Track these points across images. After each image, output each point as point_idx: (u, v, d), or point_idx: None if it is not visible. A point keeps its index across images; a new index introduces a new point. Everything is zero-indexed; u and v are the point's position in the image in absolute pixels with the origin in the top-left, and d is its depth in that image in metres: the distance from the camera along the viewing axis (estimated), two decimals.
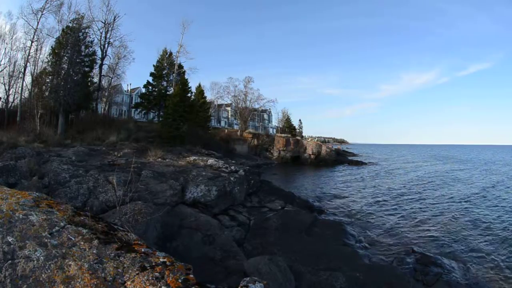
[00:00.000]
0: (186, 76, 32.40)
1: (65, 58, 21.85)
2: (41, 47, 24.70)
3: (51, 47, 22.98)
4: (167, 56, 32.71)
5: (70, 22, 23.81)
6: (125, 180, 7.89)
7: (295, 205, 12.24)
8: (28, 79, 24.15)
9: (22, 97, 23.33)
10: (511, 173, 32.84)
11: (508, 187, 22.17)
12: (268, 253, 6.75)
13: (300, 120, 69.78)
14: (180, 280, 2.27)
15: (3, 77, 23.47)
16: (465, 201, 16.59)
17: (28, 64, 23.55)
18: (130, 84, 44.76)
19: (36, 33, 23.16)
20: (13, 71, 23.57)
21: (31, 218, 2.78)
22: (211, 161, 14.22)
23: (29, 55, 23.32)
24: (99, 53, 27.51)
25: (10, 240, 2.47)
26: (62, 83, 21.02)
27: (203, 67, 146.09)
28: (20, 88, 23.46)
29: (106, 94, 30.94)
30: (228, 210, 10.11)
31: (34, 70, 24.40)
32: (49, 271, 2.26)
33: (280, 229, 8.91)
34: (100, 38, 27.86)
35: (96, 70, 27.80)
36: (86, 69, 25.17)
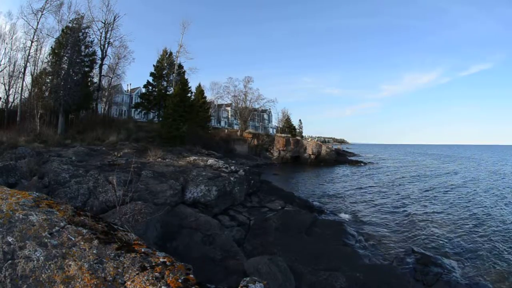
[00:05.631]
0: (186, 76, 32.49)
1: (65, 58, 21.87)
2: (41, 47, 24.78)
3: (51, 47, 23.02)
4: (167, 56, 32.73)
5: (70, 22, 23.85)
6: (125, 180, 7.89)
7: (295, 205, 12.23)
8: (28, 79, 24.22)
9: (22, 97, 23.36)
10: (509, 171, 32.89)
11: (508, 186, 22.17)
12: (268, 253, 6.75)
13: (300, 120, 69.86)
14: (180, 280, 2.27)
15: (3, 77, 23.52)
16: (465, 201, 16.59)
17: (28, 64, 23.61)
18: (130, 84, 44.82)
19: (36, 33, 23.21)
20: (13, 71, 23.60)
21: (31, 218, 2.78)
22: (211, 161, 14.21)
23: (29, 55, 23.35)
24: (99, 53, 27.57)
25: (10, 240, 2.47)
26: (62, 83, 21.04)
27: (203, 67, 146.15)
28: (20, 88, 23.50)
29: (106, 94, 30.96)
30: (228, 210, 10.10)
31: (34, 70, 24.45)
32: (49, 271, 2.26)
33: (280, 229, 8.90)
34: (100, 38, 27.92)
35: (96, 70, 27.87)
36: (86, 69, 25.18)
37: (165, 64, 32.34)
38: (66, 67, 21.73)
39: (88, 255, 2.46)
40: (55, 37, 23.61)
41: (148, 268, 2.39)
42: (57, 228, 2.75)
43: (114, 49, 29.43)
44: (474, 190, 20.62)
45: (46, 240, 2.55)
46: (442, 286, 6.76)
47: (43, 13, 23.08)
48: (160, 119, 29.55)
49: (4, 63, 23.53)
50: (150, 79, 31.98)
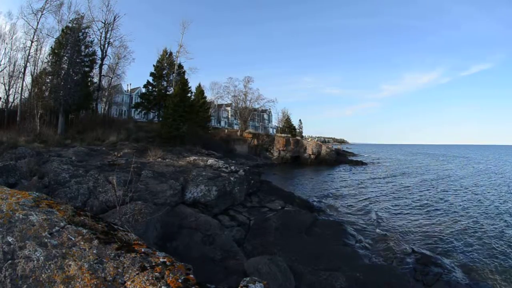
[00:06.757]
0: (186, 76, 32.45)
1: (65, 58, 21.86)
2: (41, 47, 24.76)
3: (51, 47, 23.02)
4: (167, 56, 32.72)
5: (70, 22, 23.86)
6: (125, 180, 7.89)
7: (295, 205, 12.22)
8: (28, 79, 24.21)
9: (22, 97, 23.34)
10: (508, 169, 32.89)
11: (507, 185, 22.17)
12: (268, 253, 6.75)
13: (300, 120, 69.83)
14: (180, 280, 2.28)
15: (3, 77, 23.49)
16: (465, 201, 16.58)
17: (28, 64, 23.59)
18: (130, 84, 44.78)
19: (36, 33, 23.20)
20: (13, 71, 23.58)
21: (31, 218, 2.78)
22: (211, 161, 14.22)
23: (29, 55, 23.35)
24: (99, 53, 27.55)
25: (10, 240, 2.47)
26: (62, 83, 21.03)
27: (203, 67, 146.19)
28: (20, 88, 23.49)
29: (106, 94, 30.94)
30: (228, 210, 10.11)
31: (34, 70, 24.44)
32: (49, 271, 2.26)
33: (280, 229, 8.91)
34: (100, 38, 27.92)
35: (96, 70, 27.87)
36: (86, 69, 25.18)
37: (165, 64, 32.34)
38: (66, 67, 21.71)
39: (88, 255, 2.46)
40: (55, 37, 23.65)
41: (148, 268, 2.39)
42: (57, 228, 2.75)
43: (114, 49, 29.48)
44: (474, 189, 20.62)
45: (46, 240, 2.55)
46: (442, 286, 6.75)
47: (43, 13, 23.10)
48: (160, 119, 29.55)
49: (4, 63, 23.54)
50: (150, 79, 31.99)
